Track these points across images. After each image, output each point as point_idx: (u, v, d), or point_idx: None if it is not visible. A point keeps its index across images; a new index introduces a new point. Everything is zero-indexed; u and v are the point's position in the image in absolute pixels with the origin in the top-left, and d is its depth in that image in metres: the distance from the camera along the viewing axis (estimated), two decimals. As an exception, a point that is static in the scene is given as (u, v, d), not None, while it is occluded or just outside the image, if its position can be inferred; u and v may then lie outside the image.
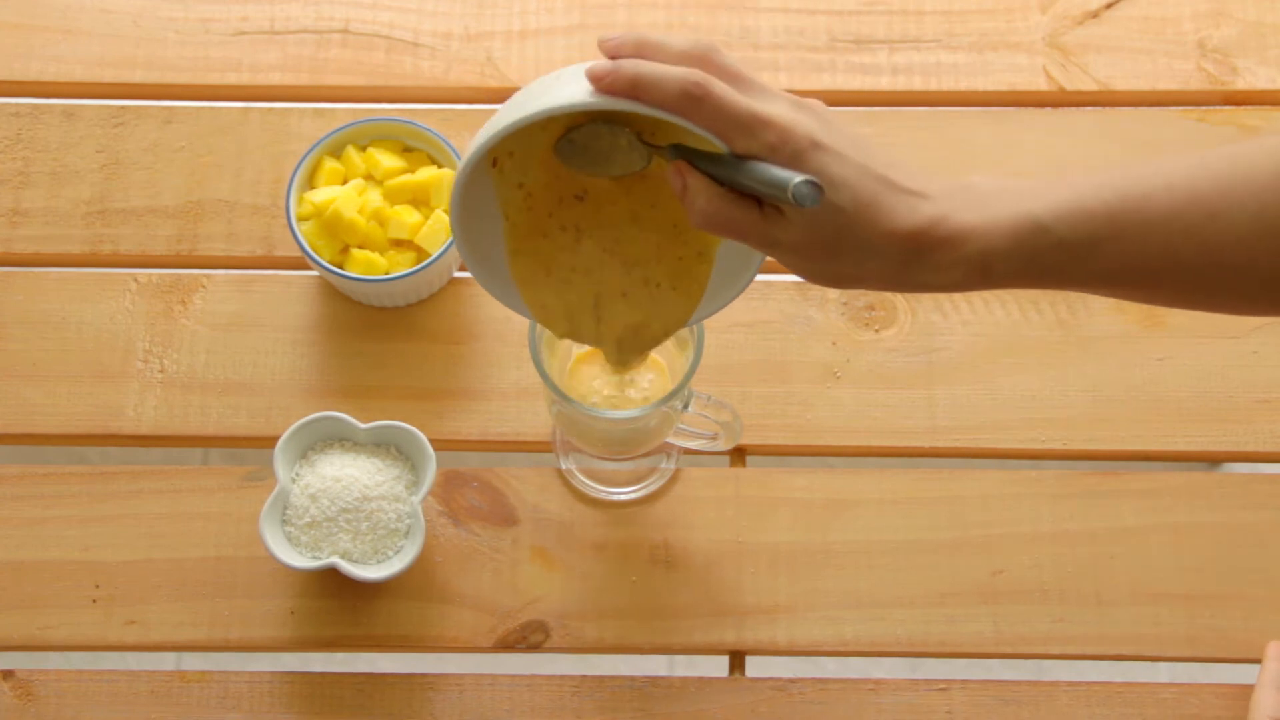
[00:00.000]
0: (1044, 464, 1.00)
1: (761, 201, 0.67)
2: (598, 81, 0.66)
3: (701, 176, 0.68)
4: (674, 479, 0.98)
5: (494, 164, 0.74)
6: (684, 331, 0.84)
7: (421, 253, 0.99)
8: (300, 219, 0.99)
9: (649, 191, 0.76)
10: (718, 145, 0.67)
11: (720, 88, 0.66)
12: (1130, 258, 0.68)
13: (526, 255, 0.77)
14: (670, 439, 0.92)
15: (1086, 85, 1.09)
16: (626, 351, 0.79)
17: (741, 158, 0.66)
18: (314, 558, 0.92)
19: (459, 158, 1.00)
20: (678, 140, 0.69)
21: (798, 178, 0.63)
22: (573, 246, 0.76)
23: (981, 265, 0.68)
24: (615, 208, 0.76)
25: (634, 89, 0.66)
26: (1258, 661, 0.92)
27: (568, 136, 0.72)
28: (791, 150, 0.65)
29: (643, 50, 0.69)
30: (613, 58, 0.69)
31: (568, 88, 0.68)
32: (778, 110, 0.66)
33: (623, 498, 0.98)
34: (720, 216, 0.67)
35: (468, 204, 0.73)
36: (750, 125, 0.65)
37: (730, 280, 0.76)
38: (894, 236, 0.67)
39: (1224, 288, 0.70)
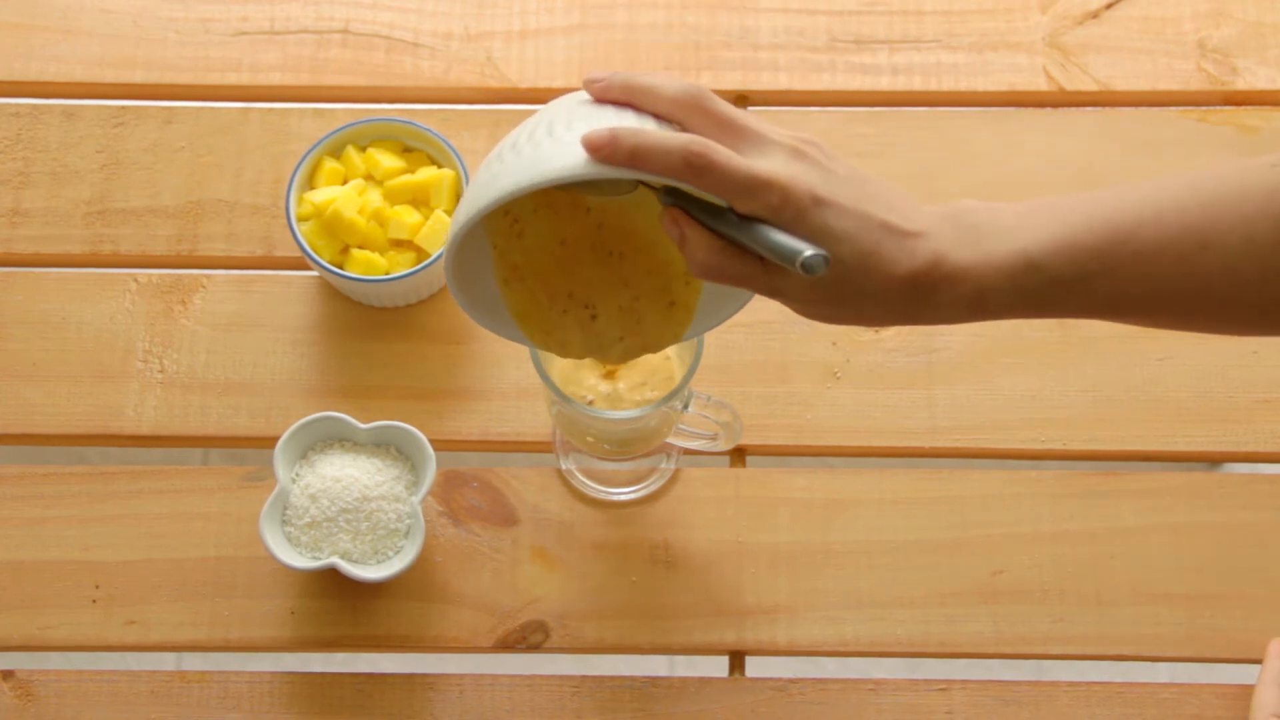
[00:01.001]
0: (1044, 464, 1.00)
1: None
2: (595, 152, 0.65)
3: (699, 228, 0.67)
4: (674, 479, 0.98)
5: None
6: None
7: (421, 253, 0.99)
8: (300, 219, 0.99)
9: (640, 221, 0.75)
10: (716, 200, 0.66)
11: (721, 154, 0.65)
12: (1124, 287, 0.69)
13: (518, 284, 0.76)
14: (670, 439, 0.92)
15: (1086, 85, 1.09)
16: (621, 362, 0.79)
17: (744, 218, 0.66)
18: (314, 558, 0.92)
19: (459, 158, 1.00)
20: (669, 183, 0.69)
21: (806, 250, 0.63)
22: (566, 276, 0.76)
23: (977, 302, 0.68)
24: (607, 237, 0.76)
25: (634, 160, 0.65)
26: (1258, 661, 0.92)
27: None
28: (794, 210, 0.65)
29: (631, 95, 0.68)
30: (600, 100, 0.69)
31: (562, 148, 0.66)
32: (777, 168, 0.66)
33: (623, 498, 0.97)
34: (721, 269, 0.67)
35: (461, 251, 0.73)
36: (753, 189, 0.65)
37: (729, 297, 0.76)
38: (894, 281, 0.67)
39: (1218, 314, 0.71)
